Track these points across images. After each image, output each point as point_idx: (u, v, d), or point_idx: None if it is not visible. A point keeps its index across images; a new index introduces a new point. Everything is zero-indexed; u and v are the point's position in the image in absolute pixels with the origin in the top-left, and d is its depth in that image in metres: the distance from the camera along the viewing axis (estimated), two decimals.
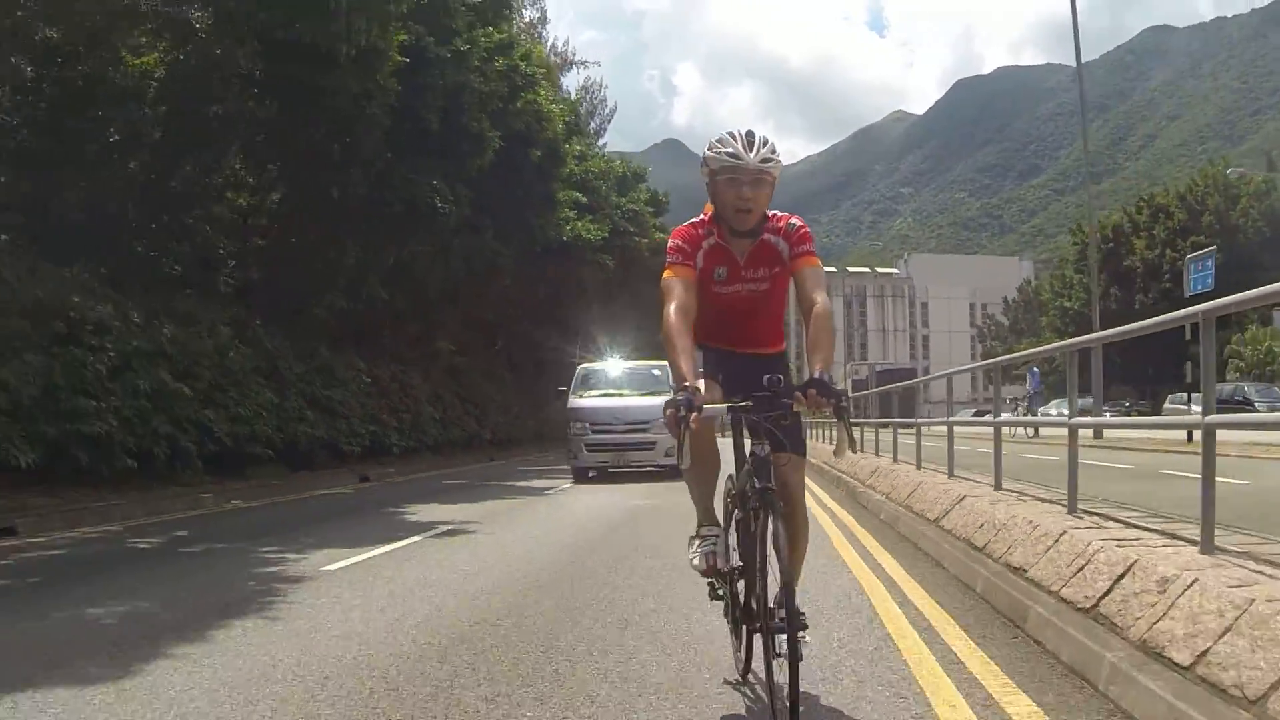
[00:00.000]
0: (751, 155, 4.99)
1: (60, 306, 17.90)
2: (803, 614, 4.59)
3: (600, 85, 70.84)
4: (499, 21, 30.92)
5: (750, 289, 5.35)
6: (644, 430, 23.88)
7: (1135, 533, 7.19)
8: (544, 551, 11.94)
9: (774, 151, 5.08)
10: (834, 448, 23.34)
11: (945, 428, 14.40)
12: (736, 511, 5.24)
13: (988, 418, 13.43)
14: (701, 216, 5.37)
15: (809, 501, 5.90)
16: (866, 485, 16.69)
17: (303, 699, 5.53)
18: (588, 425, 24.63)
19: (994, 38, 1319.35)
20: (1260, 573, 5.35)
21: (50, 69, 19.53)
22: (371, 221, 28.65)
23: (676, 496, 13.60)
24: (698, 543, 5.49)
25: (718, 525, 5.50)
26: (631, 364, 30.11)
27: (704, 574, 5.47)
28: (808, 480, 6.17)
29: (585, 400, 25.49)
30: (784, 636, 4.40)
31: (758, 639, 4.84)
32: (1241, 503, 10.80)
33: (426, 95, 25.24)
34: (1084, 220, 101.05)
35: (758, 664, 5.22)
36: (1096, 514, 8.37)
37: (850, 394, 30.35)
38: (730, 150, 5.03)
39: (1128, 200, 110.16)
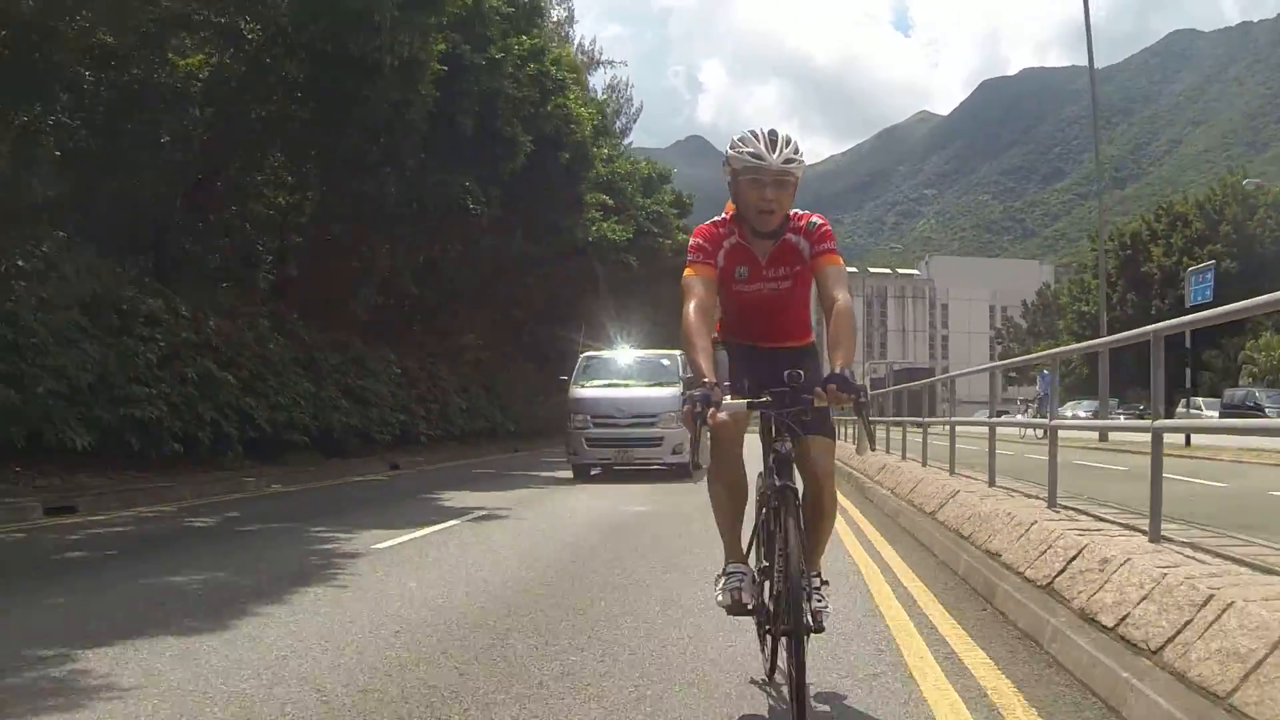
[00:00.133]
0: (774, 156, 4.98)
1: (114, 300, 18.93)
2: (820, 611, 4.95)
3: (627, 84, 71.41)
4: (531, 29, 31.72)
5: (772, 288, 5.35)
6: (650, 424, 22.41)
7: (1100, 525, 8.12)
8: (575, 534, 12.95)
9: (797, 151, 5.06)
10: (855, 445, 24.14)
11: (950, 427, 15.42)
12: (763, 510, 5.21)
13: (979, 416, 14.25)
14: (723, 215, 5.39)
15: None
16: (874, 481, 17.66)
17: (381, 647, 6.53)
18: (589, 418, 22.89)
19: (1020, 39, 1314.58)
20: (1191, 557, 6.31)
21: (106, 73, 20.42)
22: (404, 221, 29.62)
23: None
24: (723, 580, 5.29)
25: (744, 562, 5.34)
26: (639, 353, 28.02)
27: (729, 611, 5.24)
28: None
29: (587, 390, 23.60)
30: (788, 639, 4.58)
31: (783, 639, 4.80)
32: (1213, 502, 11.79)
33: (462, 101, 25.93)
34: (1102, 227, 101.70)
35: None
36: (1072, 509, 9.28)
37: (870, 391, 30.42)
38: (752, 150, 5.01)
39: (1151, 206, 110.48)
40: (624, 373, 24.63)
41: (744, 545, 5.42)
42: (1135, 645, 5.19)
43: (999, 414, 14.88)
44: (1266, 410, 46.09)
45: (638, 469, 23.12)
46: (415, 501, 17.75)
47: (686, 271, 5.24)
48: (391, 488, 21.88)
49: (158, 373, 19.23)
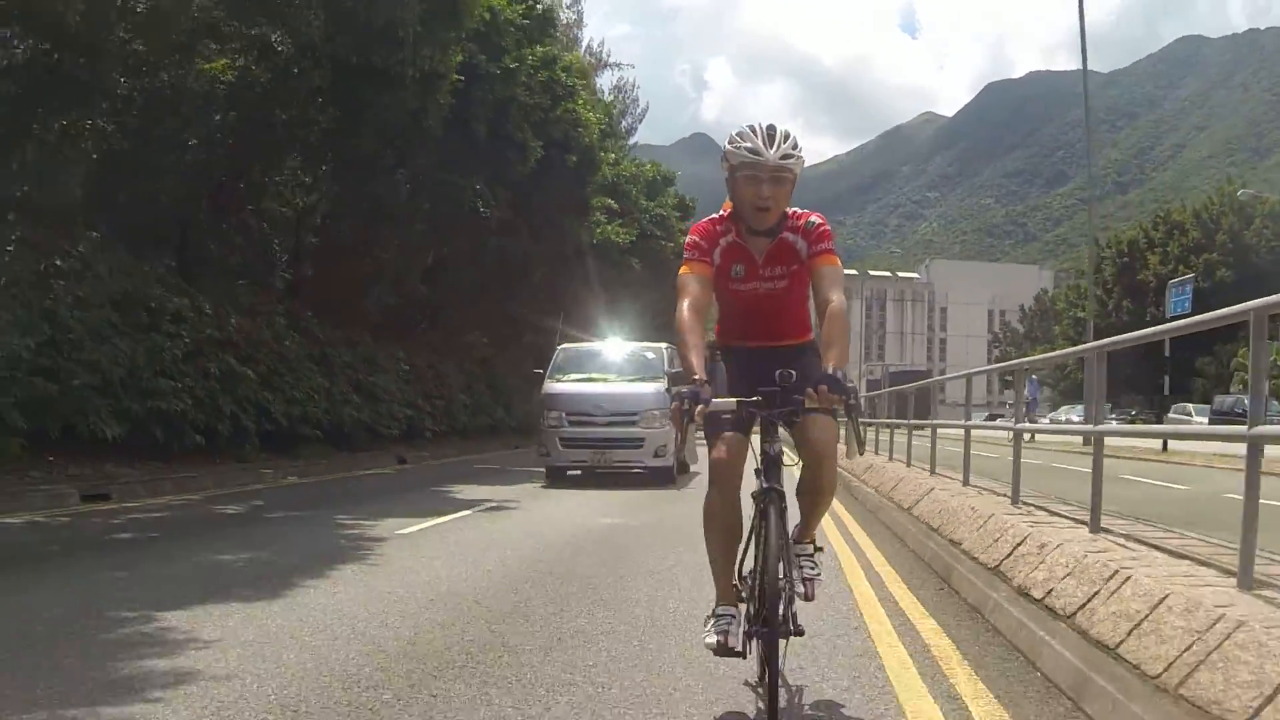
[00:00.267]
0: (771, 151, 4.98)
1: (144, 297, 19.76)
2: (812, 579, 5.48)
3: (633, 86, 72.18)
4: (544, 38, 32.60)
5: (768, 287, 5.34)
6: (631, 423, 20.78)
7: (1052, 519, 9.09)
8: (582, 521, 13.98)
9: (795, 147, 5.05)
10: (844, 448, 24.62)
11: (932, 429, 16.41)
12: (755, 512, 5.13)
13: (959, 420, 14.98)
14: (721, 213, 5.38)
15: None
16: (860, 480, 18.65)
17: (419, 611, 7.57)
18: (563, 415, 21.18)
19: (1027, 42, 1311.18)
20: (1121, 545, 7.28)
21: (139, 80, 21.33)
22: (414, 223, 30.61)
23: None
24: (713, 621, 5.20)
25: (735, 605, 5.22)
26: (621, 344, 26.03)
27: (716, 652, 5.09)
28: None
29: (562, 385, 21.91)
30: (763, 640, 4.78)
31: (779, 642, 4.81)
32: (1172, 503, 12.82)
33: (477, 109, 26.74)
34: (1100, 234, 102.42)
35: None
36: (1033, 505, 10.24)
37: (864, 393, 31.01)
38: (750, 145, 5.01)
39: (1153, 212, 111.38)
40: (604, 366, 22.86)
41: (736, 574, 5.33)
42: (1055, 612, 6.22)
43: (993, 417, 15.76)
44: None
45: (618, 469, 21.30)
46: (427, 494, 18.64)
47: (682, 269, 5.29)
48: (401, 481, 22.73)
49: (183, 367, 20.06)
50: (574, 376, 22.23)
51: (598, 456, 21.04)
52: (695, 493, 14.47)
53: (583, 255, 41.87)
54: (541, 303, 44.90)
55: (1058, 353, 11.33)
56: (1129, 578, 5.75)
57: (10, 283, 16.37)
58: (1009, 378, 58.75)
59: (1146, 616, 5.19)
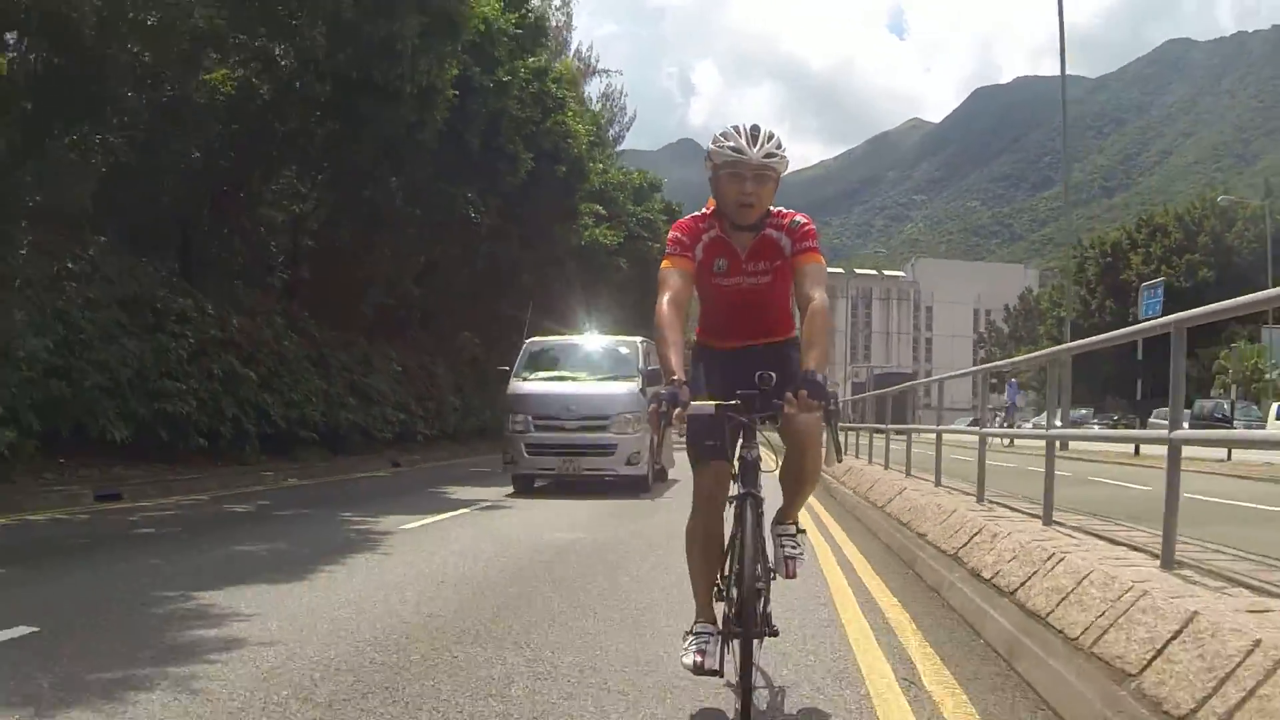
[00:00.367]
0: (755, 150, 4.99)
1: (149, 299, 20.58)
2: (794, 558, 5.58)
3: (621, 92, 73.37)
4: (536, 48, 33.38)
5: (751, 282, 5.33)
6: (602, 428, 19.28)
7: (1011, 514, 9.88)
8: (575, 518, 14.74)
9: (779, 147, 5.07)
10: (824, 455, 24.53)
11: (917, 433, 17.22)
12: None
13: (956, 423, 15.67)
14: (704, 210, 5.38)
15: None
16: (839, 481, 19.46)
17: (433, 592, 8.38)
18: (529, 419, 19.56)
19: (1015, 46, 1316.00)
20: (1067, 534, 8.07)
21: (146, 92, 22.01)
22: (408, 228, 31.40)
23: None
24: (690, 639, 5.21)
25: (714, 623, 5.23)
26: (593, 340, 24.51)
27: (693, 672, 5.07)
28: None
29: (529, 385, 20.29)
30: (738, 641, 4.70)
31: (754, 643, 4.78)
32: (1132, 501, 13.65)
33: (471, 121, 27.44)
34: (1084, 235, 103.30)
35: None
36: (996, 503, 11.02)
37: (849, 396, 31.85)
38: (733, 145, 5.02)
39: (1138, 218, 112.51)
40: (575, 363, 21.22)
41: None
42: (1000, 589, 7.03)
43: (975, 421, 16.43)
44: (1235, 422, 47.30)
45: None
46: (424, 494, 19.33)
47: (664, 264, 5.26)
48: (397, 483, 23.31)
49: (187, 368, 20.82)
50: (542, 375, 20.70)
51: (566, 464, 19.40)
52: (678, 491, 15.42)
53: (570, 260, 42.49)
54: (528, 298, 45.70)
55: (1007, 360, 11.86)
56: (1063, 559, 6.55)
57: (24, 284, 17.07)
58: (994, 379, 59.55)
59: (1073, 590, 5.99)
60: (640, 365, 19.96)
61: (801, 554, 5.74)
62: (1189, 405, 57.70)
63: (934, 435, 14.91)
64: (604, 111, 62.65)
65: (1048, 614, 6.02)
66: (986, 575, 7.50)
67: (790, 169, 5.52)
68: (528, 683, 5.61)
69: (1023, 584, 6.75)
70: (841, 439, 7.79)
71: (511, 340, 51.01)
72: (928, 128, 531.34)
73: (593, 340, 24.19)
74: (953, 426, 16.60)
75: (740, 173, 5.02)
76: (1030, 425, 56.01)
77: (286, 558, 10.32)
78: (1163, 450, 6.32)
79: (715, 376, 5.31)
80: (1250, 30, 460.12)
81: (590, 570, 9.71)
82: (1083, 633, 5.44)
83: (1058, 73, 41.89)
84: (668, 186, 61.70)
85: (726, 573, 5.21)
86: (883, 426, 20.37)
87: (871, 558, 10.71)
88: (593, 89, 67.14)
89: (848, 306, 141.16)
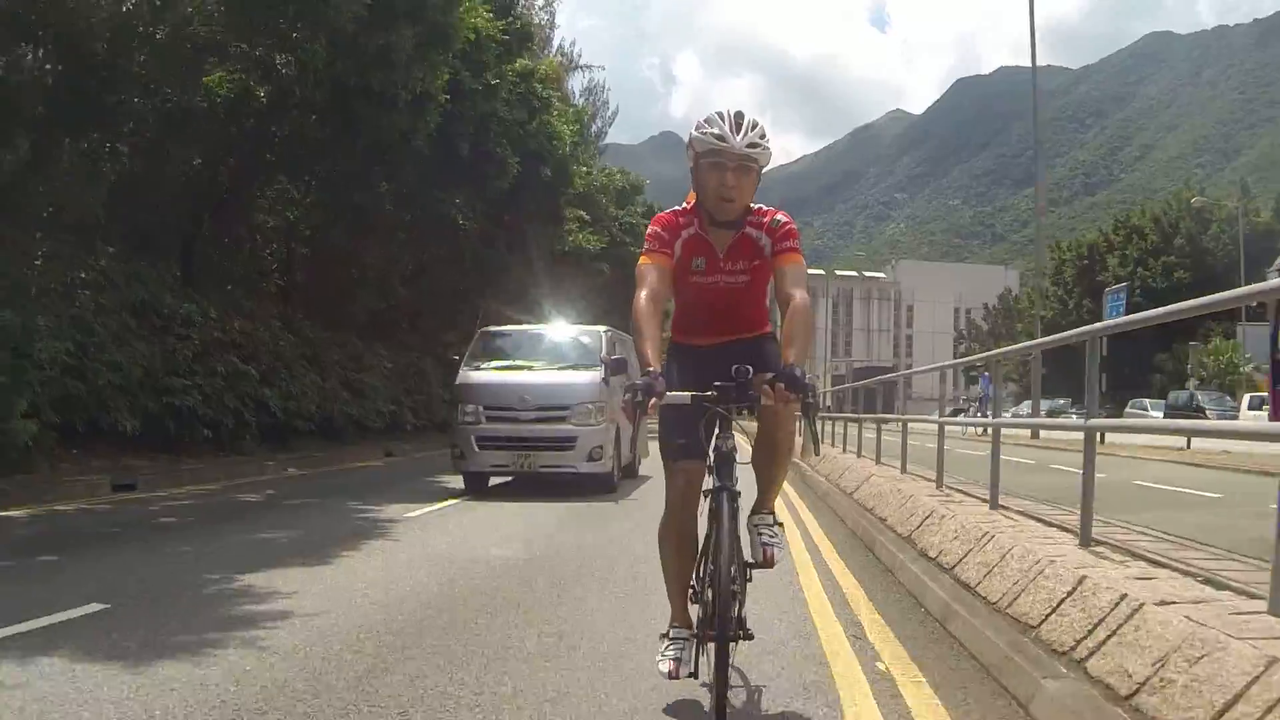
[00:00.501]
0: (738, 138, 4.88)
1: (156, 304, 21.53)
2: (771, 545, 5.30)
3: (603, 87, 74.17)
4: (523, 51, 34.33)
5: (729, 281, 5.27)
6: (560, 419, 17.59)
7: (964, 499, 10.95)
8: (569, 502, 15.90)
9: (763, 137, 4.95)
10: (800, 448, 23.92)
11: (892, 423, 18.18)
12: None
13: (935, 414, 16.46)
14: (684, 204, 5.28)
15: None
16: (814, 469, 20.55)
17: (451, 575, 9.40)
18: (480, 410, 17.82)
19: (996, 37, 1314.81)
20: (1007, 517, 9.15)
21: (151, 100, 22.85)
22: (397, 232, 32.52)
23: None
24: (666, 645, 5.32)
25: (689, 626, 5.30)
26: (553, 328, 22.86)
27: (669, 677, 5.18)
28: None
29: (481, 374, 18.60)
30: (714, 644, 4.71)
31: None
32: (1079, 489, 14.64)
33: (461, 125, 28.24)
34: (1066, 235, 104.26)
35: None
36: (954, 489, 12.09)
37: (829, 389, 32.33)
38: (716, 131, 4.90)
39: (1119, 213, 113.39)
40: (532, 352, 19.52)
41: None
42: (941, 566, 8.14)
43: (956, 412, 17.33)
44: (1207, 412, 48.41)
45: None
46: (421, 483, 20.18)
47: (642, 260, 5.15)
48: (393, 472, 24.14)
49: (193, 367, 21.76)
50: (496, 364, 18.95)
51: (521, 460, 17.63)
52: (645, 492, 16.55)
53: (555, 265, 43.35)
54: (515, 301, 46.51)
55: (962, 360, 12.84)
56: (994, 538, 7.62)
57: (40, 292, 18.01)
58: (974, 372, 60.78)
59: (997, 564, 7.08)
60: (603, 354, 18.31)
61: (778, 542, 5.45)
62: (1164, 396, 58.89)
63: (910, 425, 15.90)
64: (587, 107, 63.35)
65: (976, 584, 7.11)
66: (932, 554, 8.58)
67: (772, 164, 5.44)
68: (535, 642, 6.70)
69: (960, 561, 7.83)
70: (820, 429, 8.40)
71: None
72: (910, 119, 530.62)
73: (553, 328, 22.58)
74: (915, 416, 17.49)
75: (722, 162, 4.94)
76: (1009, 415, 57.14)
77: (306, 544, 11.29)
78: (1126, 439, 7.26)
79: (690, 372, 5.24)
80: (1231, 24, 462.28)
81: (585, 545, 10.71)
82: (1001, 598, 6.55)
83: (1040, 64, 42.35)
84: (650, 182, 62.63)
85: (702, 573, 5.18)
86: (854, 417, 21.24)
87: (835, 539, 11.85)
88: (575, 84, 67.98)
89: (829, 306, 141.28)
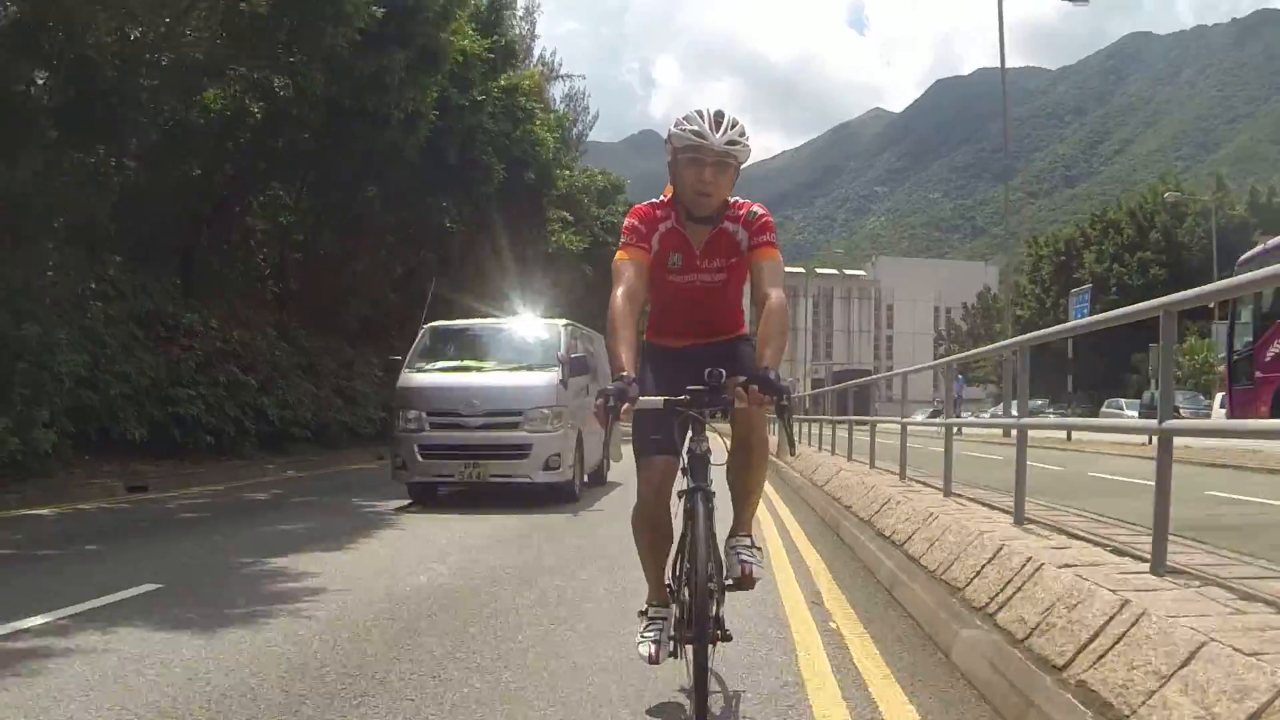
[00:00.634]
0: (717, 136, 4.83)
1: (163, 315, 22.52)
2: (749, 564, 5.18)
3: (584, 94, 75.29)
4: (506, 68, 35.46)
5: (705, 280, 5.21)
6: (513, 425, 15.95)
7: (922, 489, 11.98)
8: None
9: (742, 134, 4.91)
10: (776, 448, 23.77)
11: (866, 423, 19.25)
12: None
13: (916, 416, 17.29)
14: (662, 197, 5.20)
15: None
16: (790, 466, 21.50)
17: (458, 561, 10.40)
18: (423, 416, 16.31)
19: (975, 39, 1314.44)
20: (957, 503, 10.17)
21: (151, 115, 23.67)
22: (388, 236, 33.65)
23: None
24: (646, 625, 5.30)
25: (668, 605, 5.22)
26: (506, 322, 20.79)
27: (649, 662, 5.14)
28: None
29: (424, 377, 16.96)
30: (692, 646, 4.57)
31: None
32: (1041, 480, 15.68)
33: (449, 137, 29.28)
34: (1045, 228, 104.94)
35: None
36: (916, 481, 13.06)
37: (809, 392, 33.20)
38: (695, 129, 4.86)
39: (1099, 205, 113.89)
40: (482, 351, 17.83)
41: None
42: (894, 543, 9.25)
43: (936, 413, 18.11)
44: (1181, 410, 49.20)
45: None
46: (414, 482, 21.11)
47: (619, 255, 5.05)
48: (387, 474, 24.58)
49: (196, 377, 22.67)
50: (442, 365, 17.34)
51: (469, 469, 16.02)
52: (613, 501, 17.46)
53: (540, 262, 44.22)
54: (500, 300, 47.38)
55: (928, 364, 13.70)
56: (949, 526, 8.65)
57: (53, 304, 18.86)
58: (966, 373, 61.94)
59: (938, 539, 8.18)
60: (562, 352, 16.74)
61: (758, 562, 5.33)
62: (1138, 395, 59.81)
63: (888, 426, 16.88)
64: (568, 113, 64.17)
65: (920, 557, 8.19)
66: (887, 533, 9.67)
67: (752, 160, 5.31)
68: (535, 610, 7.73)
69: (908, 538, 8.91)
70: (798, 429, 9.03)
71: None
72: (890, 117, 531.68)
73: (507, 322, 20.58)
74: (882, 418, 18.50)
75: (700, 158, 4.88)
76: (988, 415, 58.22)
77: (320, 534, 12.31)
78: (1096, 436, 8.05)
79: (664, 375, 5.14)
80: (1210, 24, 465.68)
81: (577, 528, 11.72)
82: (938, 566, 7.62)
83: (1016, 65, 43.41)
84: (630, 180, 63.59)
85: (677, 573, 5.07)
86: (829, 418, 22.27)
87: (805, 525, 13.01)
88: (556, 91, 69.08)
89: (808, 306, 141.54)
